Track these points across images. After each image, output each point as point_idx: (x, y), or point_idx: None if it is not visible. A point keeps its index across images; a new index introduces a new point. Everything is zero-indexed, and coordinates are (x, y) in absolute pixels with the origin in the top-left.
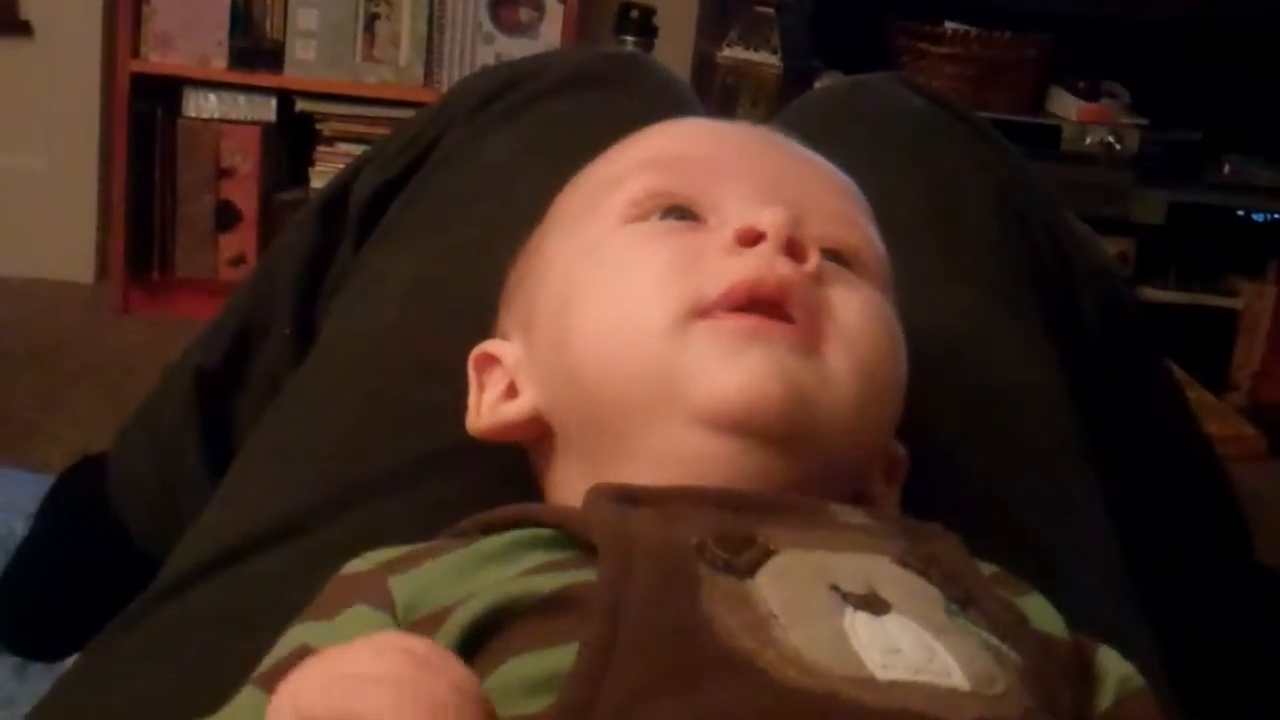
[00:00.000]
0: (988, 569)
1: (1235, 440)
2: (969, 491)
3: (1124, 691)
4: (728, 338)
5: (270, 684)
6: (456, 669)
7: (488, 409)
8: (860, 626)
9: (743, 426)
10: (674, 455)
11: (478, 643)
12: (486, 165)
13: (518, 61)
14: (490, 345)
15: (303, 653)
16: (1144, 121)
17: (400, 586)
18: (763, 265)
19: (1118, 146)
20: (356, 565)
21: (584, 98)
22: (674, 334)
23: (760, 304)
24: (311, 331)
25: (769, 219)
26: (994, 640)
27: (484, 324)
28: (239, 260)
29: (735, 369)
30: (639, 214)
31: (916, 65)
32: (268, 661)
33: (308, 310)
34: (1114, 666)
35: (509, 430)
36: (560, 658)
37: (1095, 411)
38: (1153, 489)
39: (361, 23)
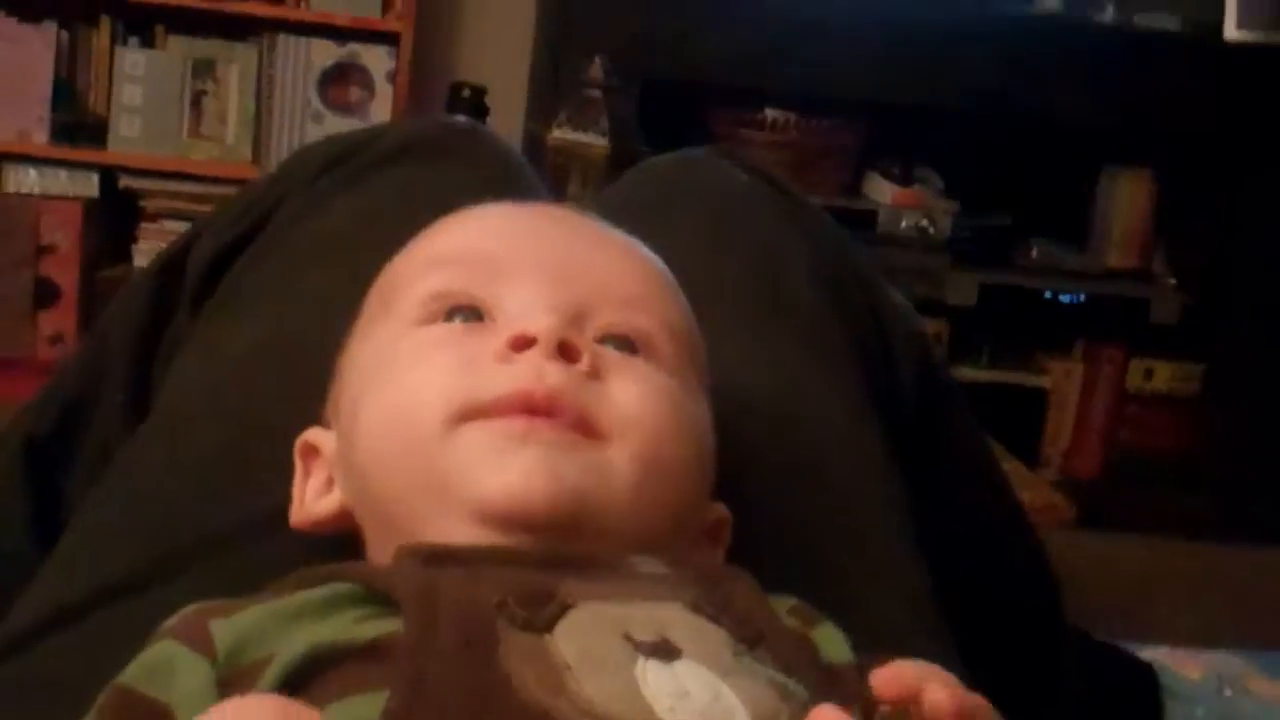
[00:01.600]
0: (786, 602)
1: (1046, 509)
2: (789, 544)
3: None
4: (496, 438)
5: None
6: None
7: (309, 501)
8: (650, 674)
9: (514, 523)
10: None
11: (297, 685)
12: (325, 232)
13: (357, 130)
14: (312, 435)
15: (116, 691)
16: (955, 206)
17: (221, 630)
18: (532, 374)
19: (931, 230)
20: (173, 620)
21: (422, 165)
22: (445, 435)
23: (530, 412)
24: (146, 398)
25: (542, 324)
26: (780, 677)
27: (320, 393)
28: (58, 338)
29: (501, 470)
30: (427, 315)
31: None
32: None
33: (142, 377)
34: None
35: (324, 525)
36: (372, 705)
37: (915, 475)
38: (966, 547)
39: (188, 99)
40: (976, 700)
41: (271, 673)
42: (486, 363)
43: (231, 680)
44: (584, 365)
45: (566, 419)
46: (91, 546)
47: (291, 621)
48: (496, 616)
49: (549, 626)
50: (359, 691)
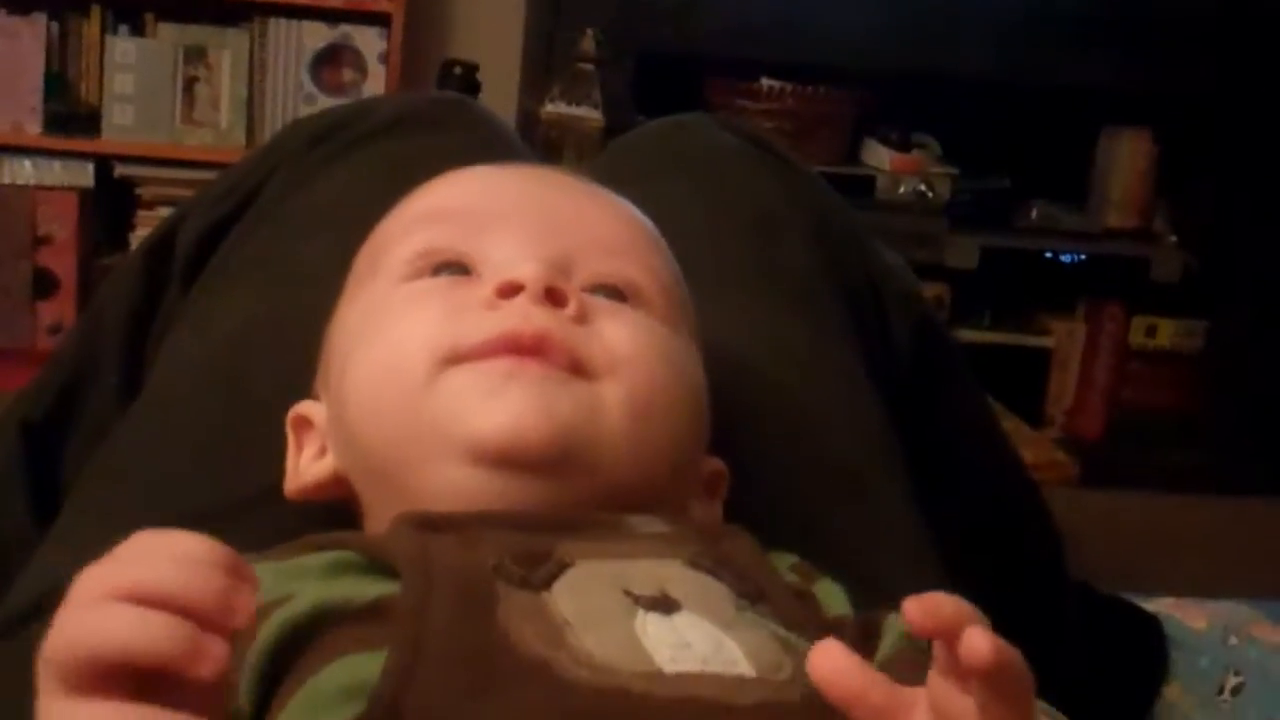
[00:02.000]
0: (787, 559)
1: (1049, 466)
2: (786, 504)
3: (893, 648)
4: (484, 378)
5: None
6: (182, 542)
7: (302, 470)
8: (651, 626)
9: (509, 460)
10: (451, 493)
11: (298, 643)
12: (315, 206)
13: (345, 105)
14: (304, 407)
15: None
16: (954, 170)
17: None
18: (519, 317)
19: (930, 195)
20: None
21: (412, 138)
22: (432, 381)
23: (518, 352)
24: (139, 378)
25: (528, 271)
26: (782, 631)
27: (310, 367)
28: (57, 328)
29: (491, 410)
30: (413, 272)
31: None
32: None
33: (135, 357)
34: (896, 626)
35: (318, 491)
36: (372, 664)
37: (913, 432)
38: (969, 505)
39: (180, 86)
40: (1015, 653)
41: (272, 624)
42: (473, 310)
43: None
44: (571, 310)
45: (557, 359)
46: (87, 524)
47: (295, 579)
48: (494, 576)
49: (547, 584)
50: (359, 650)
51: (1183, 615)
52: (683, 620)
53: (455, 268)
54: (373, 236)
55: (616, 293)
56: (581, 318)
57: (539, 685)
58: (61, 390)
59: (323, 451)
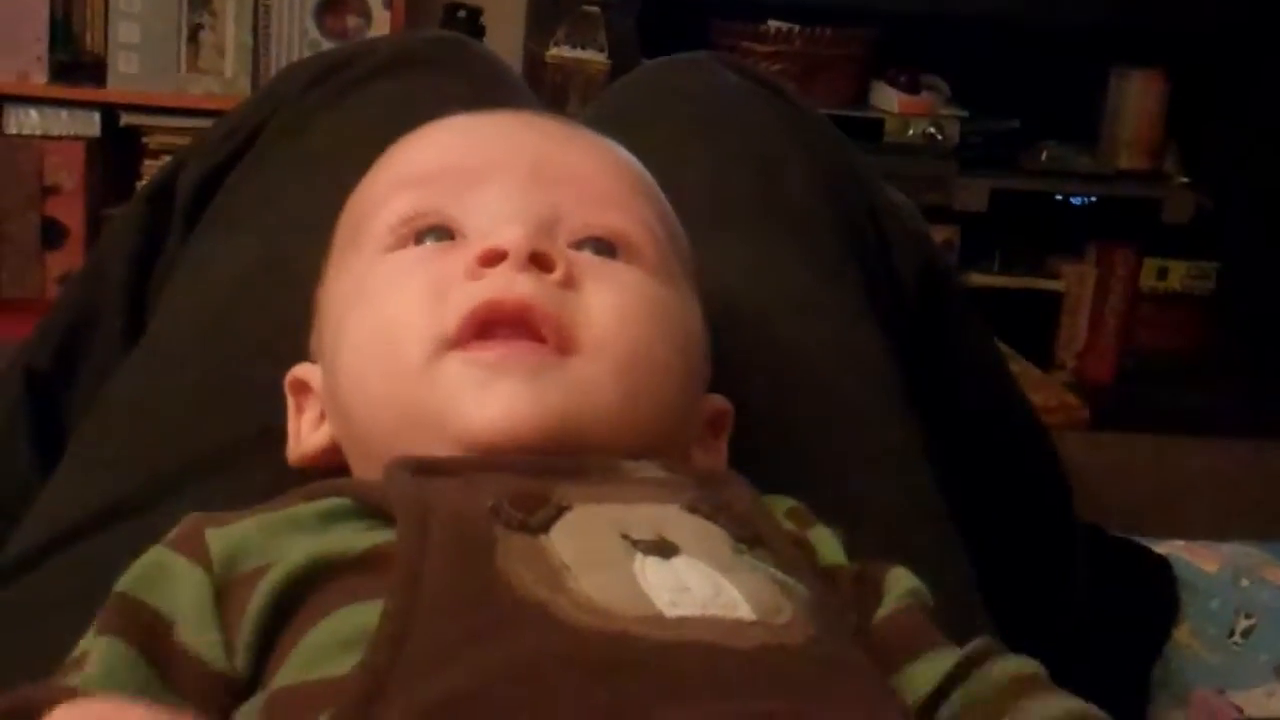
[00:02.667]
0: (784, 504)
1: (1060, 410)
2: (788, 444)
3: (900, 602)
4: (476, 370)
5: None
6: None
7: (304, 437)
8: (649, 569)
9: (503, 449)
10: None
11: (294, 598)
12: (312, 149)
13: (343, 46)
14: (301, 370)
15: (117, 597)
16: (963, 113)
17: (216, 538)
18: (500, 286)
19: (939, 137)
20: (174, 529)
21: (411, 78)
22: (425, 369)
23: (504, 324)
24: (141, 324)
25: (511, 235)
26: (781, 575)
27: (306, 313)
28: (66, 278)
29: (484, 403)
30: (396, 241)
31: None
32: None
33: (138, 303)
34: (900, 582)
35: (318, 458)
36: (369, 614)
37: (918, 374)
38: (976, 447)
39: (185, 34)
40: None
41: (268, 582)
42: (458, 283)
43: (228, 589)
44: (558, 275)
45: (545, 329)
46: (87, 470)
47: (287, 532)
48: (492, 520)
49: (545, 528)
50: (357, 601)
51: (1194, 558)
52: (681, 564)
53: (439, 231)
54: (352, 201)
55: (606, 245)
56: (568, 281)
57: (538, 628)
58: (64, 338)
59: (322, 417)
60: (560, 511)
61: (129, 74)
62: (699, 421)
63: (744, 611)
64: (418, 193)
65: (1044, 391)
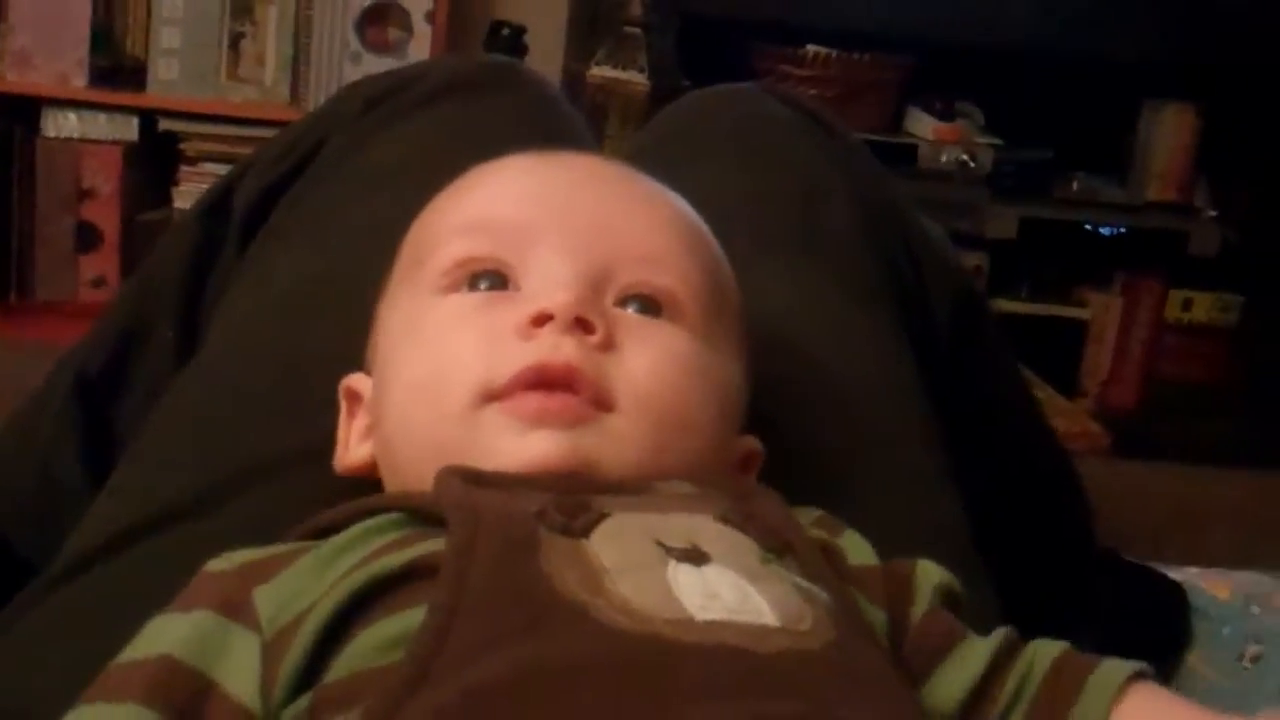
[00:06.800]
0: (811, 514)
1: (1082, 437)
2: (817, 465)
3: (935, 600)
4: (514, 419)
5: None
6: None
7: (352, 446)
8: (682, 576)
9: (536, 478)
10: None
11: (341, 627)
12: (371, 168)
13: (399, 69)
14: (355, 380)
15: (161, 661)
16: (997, 141)
17: (265, 600)
18: (546, 350)
19: (972, 164)
20: (220, 564)
21: (466, 103)
22: (468, 415)
23: (548, 384)
24: (195, 336)
25: (560, 299)
26: (805, 584)
27: (364, 325)
28: (100, 282)
29: (520, 448)
30: (450, 284)
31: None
32: (127, 653)
33: (191, 314)
34: (930, 576)
35: (362, 470)
36: (412, 618)
37: (948, 400)
38: (1000, 474)
39: (226, 41)
40: None
41: (310, 624)
42: (508, 339)
43: (275, 641)
44: (598, 338)
45: (583, 394)
46: (144, 475)
47: (326, 568)
48: (537, 523)
49: (586, 532)
50: (399, 610)
51: (1207, 585)
52: (712, 572)
53: (493, 277)
54: (414, 232)
55: (652, 303)
56: (607, 344)
57: (578, 628)
58: (116, 346)
59: (369, 430)
60: (601, 518)
61: (169, 80)
62: (731, 460)
63: (769, 618)
64: (475, 239)
65: (1067, 418)
